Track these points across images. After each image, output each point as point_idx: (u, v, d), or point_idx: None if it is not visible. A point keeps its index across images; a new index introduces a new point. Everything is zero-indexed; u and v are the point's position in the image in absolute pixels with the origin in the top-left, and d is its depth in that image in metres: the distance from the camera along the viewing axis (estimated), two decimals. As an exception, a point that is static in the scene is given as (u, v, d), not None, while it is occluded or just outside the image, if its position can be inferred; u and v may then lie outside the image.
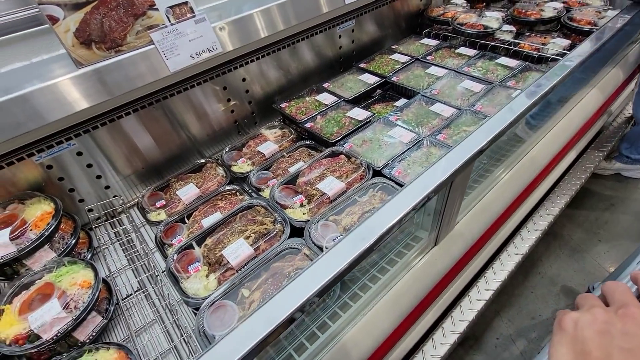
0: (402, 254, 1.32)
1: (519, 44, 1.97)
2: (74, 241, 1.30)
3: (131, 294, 1.27)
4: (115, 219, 1.54)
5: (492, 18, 2.10)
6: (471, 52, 2.02)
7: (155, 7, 1.22)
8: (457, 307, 1.54)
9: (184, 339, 1.07)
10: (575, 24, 1.95)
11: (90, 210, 1.51)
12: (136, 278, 1.29)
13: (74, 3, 1.08)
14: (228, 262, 1.09)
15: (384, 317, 1.24)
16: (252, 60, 1.74)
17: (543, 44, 1.93)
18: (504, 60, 1.88)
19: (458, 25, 2.10)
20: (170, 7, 1.26)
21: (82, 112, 1.22)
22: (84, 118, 1.36)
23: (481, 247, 1.76)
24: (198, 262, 1.11)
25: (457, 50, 2.06)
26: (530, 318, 1.82)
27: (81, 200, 1.50)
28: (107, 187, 1.56)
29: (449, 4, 2.39)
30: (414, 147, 1.46)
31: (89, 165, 1.47)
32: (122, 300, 1.24)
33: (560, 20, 2.04)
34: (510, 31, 2.08)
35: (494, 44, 2.03)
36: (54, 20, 1.06)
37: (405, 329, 1.44)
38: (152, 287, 1.25)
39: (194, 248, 1.19)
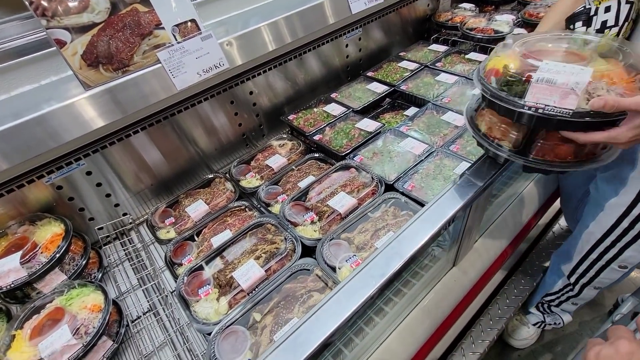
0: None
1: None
2: (84, 262, 1.29)
3: (141, 316, 1.25)
4: (125, 238, 1.53)
5: (503, 22, 2.06)
6: (482, 57, 1.97)
7: (161, 26, 1.21)
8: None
9: (195, 365, 1.05)
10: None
11: (100, 228, 1.50)
12: (147, 299, 1.28)
13: (80, 26, 1.07)
14: (239, 284, 1.06)
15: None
16: (259, 74, 1.73)
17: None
18: (516, 65, 1.83)
19: (467, 31, 2.06)
20: (177, 25, 1.25)
21: (91, 133, 1.22)
22: (93, 138, 1.36)
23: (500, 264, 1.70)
24: (208, 284, 1.08)
25: (467, 56, 2.01)
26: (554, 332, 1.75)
27: (91, 219, 1.50)
28: (117, 205, 1.56)
29: (456, 8, 2.35)
30: (427, 159, 1.43)
31: (99, 184, 1.47)
32: (132, 322, 1.22)
33: (574, 23, 1.98)
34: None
35: (505, 48, 1.98)
36: (61, 44, 1.05)
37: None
38: (163, 308, 1.23)
39: (203, 269, 1.16)
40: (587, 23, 0.98)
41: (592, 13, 0.96)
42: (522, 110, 0.77)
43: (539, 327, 1.61)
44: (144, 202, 1.66)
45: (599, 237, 1.11)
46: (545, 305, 1.50)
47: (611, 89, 0.71)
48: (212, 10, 1.62)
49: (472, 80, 1.80)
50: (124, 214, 1.59)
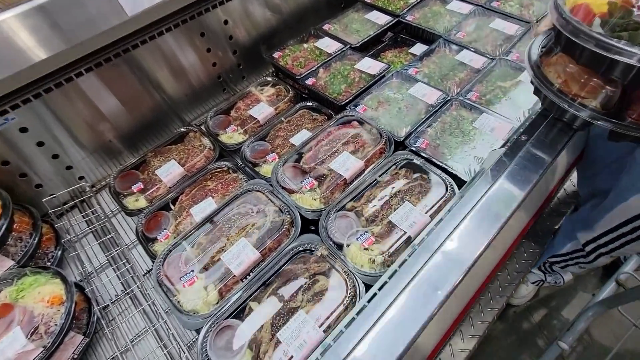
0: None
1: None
2: (35, 241, 1.07)
3: (115, 300, 1.09)
4: (88, 208, 1.29)
5: None
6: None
7: None
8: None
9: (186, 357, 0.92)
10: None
11: (53, 196, 1.24)
12: (119, 279, 1.10)
13: None
14: (230, 270, 0.89)
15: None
16: (235, -3, 1.36)
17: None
18: (542, -9, 1.55)
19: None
20: None
21: (19, 75, 0.92)
22: (23, 83, 1.04)
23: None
24: (193, 271, 0.91)
25: (483, -21, 1.68)
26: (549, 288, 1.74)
27: (39, 186, 1.24)
28: (69, 168, 1.29)
29: None
30: (441, 110, 1.22)
31: (40, 144, 1.18)
32: (105, 308, 1.05)
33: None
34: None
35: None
36: None
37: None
38: (139, 289, 1.06)
39: (185, 249, 0.98)
40: None
41: None
42: None
43: (537, 285, 1.61)
44: (104, 162, 1.39)
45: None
46: (548, 265, 1.46)
47: None
48: None
49: (491, 9, 1.53)
50: (81, 178, 1.33)
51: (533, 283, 1.61)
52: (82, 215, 1.23)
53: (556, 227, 1.44)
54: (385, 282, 0.65)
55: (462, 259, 0.63)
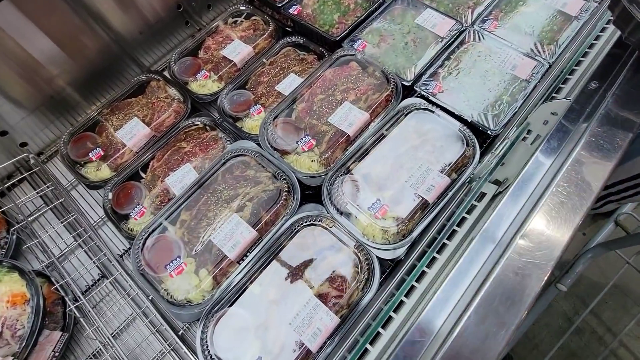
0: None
1: None
2: (-21, 228, 0.89)
3: (93, 284, 0.96)
4: (40, 181, 1.08)
5: None
6: None
7: None
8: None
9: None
10: None
11: (-9, 170, 1.02)
12: (92, 260, 0.95)
13: None
14: (223, 252, 0.77)
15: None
16: None
17: None
18: None
19: None
20: None
21: None
22: None
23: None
24: (179, 257, 0.77)
25: None
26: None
27: (-31, 159, 1.01)
28: (4, 133, 1.05)
29: None
30: (455, 44, 1.03)
31: (-42, 106, 0.92)
32: (84, 294, 0.93)
33: None
34: None
35: None
36: None
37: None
38: (117, 271, 0.93)
39: (167, 231, 0.83)
40: None
41: None
42: None
43: None
44: (49, 123, 1.15)
45: None
46: None
47: None
48: None
49: None
50: (22, 145, 1.10)
51: None
52: (36, 191, 1.03)
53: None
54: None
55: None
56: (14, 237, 0.97)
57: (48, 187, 1.01)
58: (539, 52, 0.99)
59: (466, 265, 0.55)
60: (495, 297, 0.50)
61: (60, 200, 0.98)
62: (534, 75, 0.95)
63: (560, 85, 0.82)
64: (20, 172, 1.08)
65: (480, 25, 1.05)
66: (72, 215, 0.97)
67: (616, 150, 0.55)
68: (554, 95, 0.81)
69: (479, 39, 1.04)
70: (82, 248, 0.97)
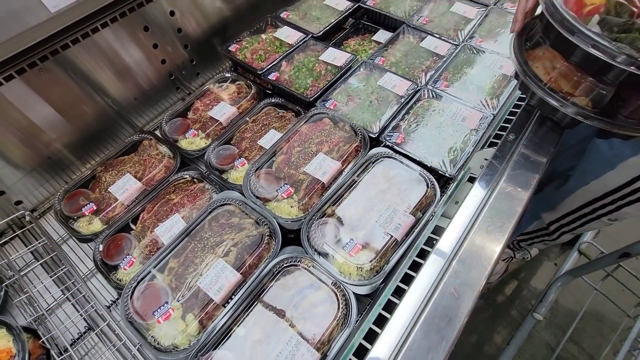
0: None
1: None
2: (-31, 285, 0.91)
3: (79, 337, 0.97)
4: (31, 237, 1.13)
5: None
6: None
7: None
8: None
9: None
10: None
11: (-15, 228, 1.07)
12: (78, 312, 0.97)
13: None
14: (209, 297, 0.82)
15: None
16: (180, -15, 1.21)
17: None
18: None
19: None
20: None
21: None
22: None
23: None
24: (167, 303, 0.82)
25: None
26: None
27: (-35, 219, 1.06)
28: (2, 193, 1.11)
29: None
30: (412, 101, 1.19)
31: (-40, 169, 0.99)
32: (72, 346, 0.93)
33: None
34: None
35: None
36: None
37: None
38: (104, 321, 0.95)
39: (155, 278, 0.88)
40: None
41: None
42: None
43: (507, 262, 1.71)
44: (45, 182, 1.22)
45: (600, 195, 1.06)
46: (516, 242, 1.55)
47: None
48: None
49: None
50: (18, 203, 1.16)
51: (503, 260, 1.70)
52: (27, 248, 1.07)
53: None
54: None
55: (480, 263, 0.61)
56: (2, 292, 0.99)
57: (40, 242, 1.06)
58: (485, 105, 1.16)
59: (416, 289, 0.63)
60: (436, 316, 0.58)
61: (51, 255, 1.02)
62: (481, 125, 1.10)
63: (498, 132, 0.96)
64: (13, 229, 1.12)
65: (433, 85, 1.23)
66: (62, 269, 1.00)
67: (527, 187, 0.67)
68: (492, 140, 0.95)
69: (433, 96, 1.21)
70: (70, 301, 0.99)
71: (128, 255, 0.98)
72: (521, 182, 0.68)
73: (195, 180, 1.15)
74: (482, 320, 1.65)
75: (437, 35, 1.37)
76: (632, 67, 0.54)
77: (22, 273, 1.04)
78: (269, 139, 1.19)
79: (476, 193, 0.70)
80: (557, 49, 0.66)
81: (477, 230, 0.65)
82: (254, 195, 1.00)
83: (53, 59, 1.05)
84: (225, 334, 0.80)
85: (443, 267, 0.63)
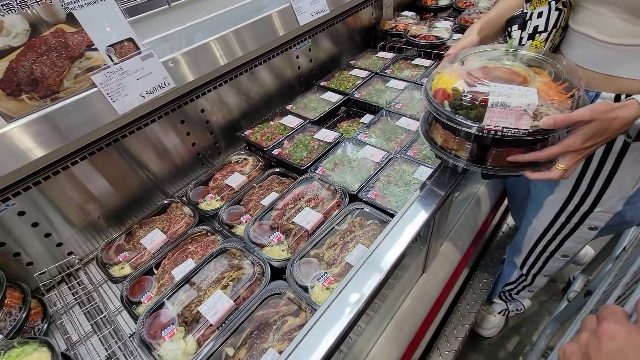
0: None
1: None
2: (24, 315, 1.14)
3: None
4: (73, 280, 1.38)
5: (442, 28, 2.17)
6: (427, 62, 2.07)
7: (94, 47, 1.12)
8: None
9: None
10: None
11: (42, 273, 1.34)
12: (104, 346, 1.15)
13: (-4, 52, 0.95)
14: (206, 319, 1.00)
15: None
16: (210, 90, 1.66)
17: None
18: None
19: (411, 38, 2.15)
20: (112, 45, 1.16)
21: (16, 171, 1.09)
22: (22, 176, 1.21)
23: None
24: (173, 324, 1.00)
25: (413, 62, 2.09)
26: (517, 317, 1.85)
27: (30, 264, 1.34)
28: (60, 245, 1.40)
29: (399, 16, 2.44)
30: (386, 166, 1.45)
31: (35, 224, 1.31)
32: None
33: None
34: (461, 39, 2.15)
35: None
36: (-27, 73, 0.93)
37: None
38: (124, 354, 1.12)
39: (166, 307, 1.08)
40: (523, 27, 1.05)
41: (527, 17, 1.03)
42: (481, 134, 0.80)
43: (503, 314, 1.71)
44: (92, 237, 1.51)
45: (542, 232, 1.20)
46: (507, 294, 1.59)
47: (549, 104, 0.77)
48: (153, 26, 1.53)
49: (420, 85, 1.89)
50: (69, 254, 1.44)
51: (499, 313, 1.71)
52: (69, 287, 1.31)
53: (504, 257, 1.61)
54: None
55: (378, 269, 0.78)
56: (45, 325, 1.21)
57: (79, 283, 1.30)
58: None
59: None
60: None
61: (86, 293, 1.25)
62: (443, 182, 1.32)
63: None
64: (61, 273, 1.38)
65: (404, 152, 1.50)
66: (92, 304, 1.22)
67: (427, 210, 0.89)
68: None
69: (403, 161, 1.46)
70: (97, 334, 1.18)
71: (148, 292, 1.19)
72: (420, 210, 0.90)
73: (208, 233, 1.40)
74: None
75: (409, 116, 1.69)
76: (472, 129, 0.80)
77: (64, 307, 1.27)
78: (270, 199, 1.45)
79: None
80: (438, 122, 0.93)
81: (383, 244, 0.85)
82: (252, 241, 1.23)
83: (114, 145, 1.44)
84: (215, 351, 0.95)
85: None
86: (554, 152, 0.80)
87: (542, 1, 0.97)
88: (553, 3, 0.96)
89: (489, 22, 1.12)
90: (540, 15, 1.00)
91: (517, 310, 1.69)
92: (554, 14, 0.98)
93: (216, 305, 1.02)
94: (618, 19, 0.80)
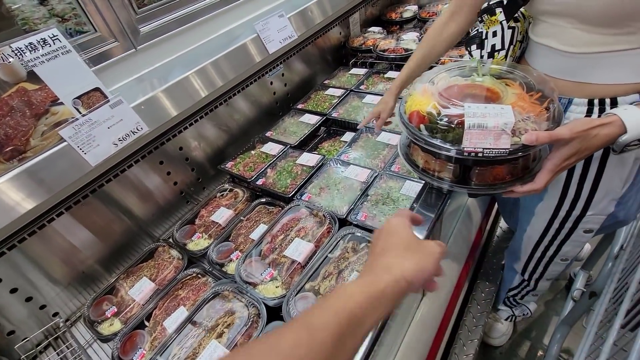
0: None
1: (438, 60, 2.07)
2: (8, 392, 1.07)
3: None
4: (62, 344, 1.30)
5: (409, 40, 2.21)
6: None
7: (59, 101, 1.09)
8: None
9: None
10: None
11: (25, 339, 1.26)
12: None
13: (-46, 121, 0.91)
14: (203, 374, 0.95)
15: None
16: (186, 128, 1.63)
17: (460, 56, 2.06)
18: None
19: (380, 52, 2.18)
20: (78, 97, 1.13)
21: None
22: (-4, 240, 1.16)
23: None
24: (168, 383, 0.95)
25: (385, 75, 2.12)
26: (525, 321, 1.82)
27: (11, 333, 1.26)
28: (43, 307, 1.33)
29: (366, 32, 2.48)
30: (373, 185, 1.44)
31: (13, 290, 1.24)
32: None
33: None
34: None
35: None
36: None
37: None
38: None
39: (160, 364, 1.02)
40: (481, 46, 1.07)
41: (484, 37, 1.05)
42: (461, 156, 0.79)
43: (510, 320, 1.69)
44: (78, 294, 1.44)
45: (537, 239, 1.19)
46: (511, 299, 1.58)
47: (526, 119, 0.77)
48: (123, 69, 1.50)
49: (398, 99, 1.90)
50: (55, 315, 1.37)
51: (506, 319, 1.69)
52: (57, 353, 1.24)
53: (503, 262, 1.60)
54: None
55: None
56: (33, 398, 1.13)
57: (68, 347, 1.23)
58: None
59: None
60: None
61: (75, 357, 1.18)
62: (431, 195, 1.32)
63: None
64: (47, 338, 1.31)
65: (388, 168, 1.49)
66: (84, 369, 1.15)
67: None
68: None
69: (390, 178, 1.45)
70: (89, 400, 1.11)
71: (140, 348, 1.14)
72: (417, 231, 0.88)
73: (199, 275, 1.35)
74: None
75: (389, 130, 1.69)
76: (452, 152, 0.79)
77: (51, 377, 1.19)
78: (259, 232, 1.42)
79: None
80: (416, 145, 0.93)
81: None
82: (244, 281, 1.19)
83: (93, 195, 1.39)
84: (217, 408, 0.89)
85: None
86: (546, 179, 0.80)
87: (494, 21, 0.99)
88: (504, 22, 0.99)
89: (412, 77, 1.18)
90: (495, 34, 1.02)
91: (523, 315, 1.67)
92: (508, 32, 1.01)
93: (212, 358, 0.97)
94: (576, 29, 0.82)
